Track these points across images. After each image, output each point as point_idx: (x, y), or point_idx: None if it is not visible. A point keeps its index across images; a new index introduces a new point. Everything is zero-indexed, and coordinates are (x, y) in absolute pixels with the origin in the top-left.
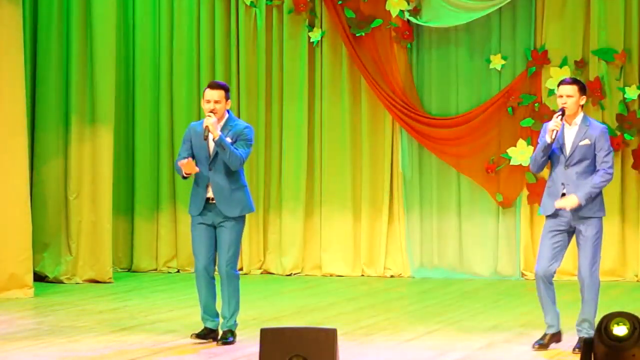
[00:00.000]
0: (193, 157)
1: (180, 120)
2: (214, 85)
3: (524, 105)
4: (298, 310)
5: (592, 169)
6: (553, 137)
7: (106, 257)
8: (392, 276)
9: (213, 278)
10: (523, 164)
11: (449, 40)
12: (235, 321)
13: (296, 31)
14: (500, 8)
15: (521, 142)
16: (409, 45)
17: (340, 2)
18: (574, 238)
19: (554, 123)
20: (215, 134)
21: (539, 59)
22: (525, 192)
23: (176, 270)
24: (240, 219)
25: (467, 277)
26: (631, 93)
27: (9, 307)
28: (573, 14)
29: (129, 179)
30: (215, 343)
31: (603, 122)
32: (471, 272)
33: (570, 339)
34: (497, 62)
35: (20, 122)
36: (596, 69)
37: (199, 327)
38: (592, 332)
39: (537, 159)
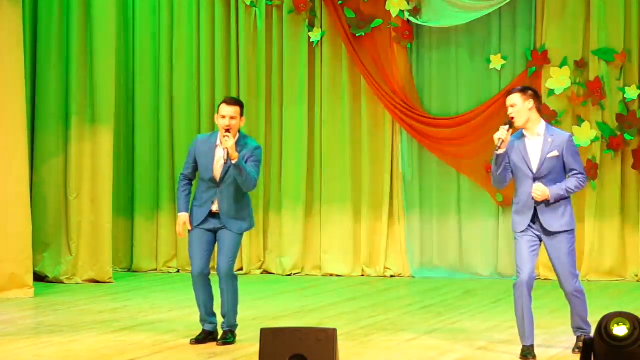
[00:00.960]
0: (195, 170)
1: (180, 120)
2: (230, 102)
3: None
4: (298, 310)
5: (561, 180)
6: (499, 145)
7: (106, 257)
8: (392, 276)
9: (209, 280)
10: None
11: (449, 41)
12: (235, 321)
13: (296, 31)
14: (500, 8)
15: None
16: (409, 45)
17: (340, 2)
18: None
19: (500, 132)
20: (234, 156)
21: (539, 59)
22: None
23: (176, 270)
24: (240, 234)
25: (467, 277)
26: (631, 93)
27: (9, 307)
28: (573, 14)
29: (129, 179)
30: (215, 343)
31: (603, 123)
32: (471, 272)
33: (570, 338)
34: (497, 62)
35: (20, 122)
36: (596, 69)
37: (199, 328)
38: (589, 333)
39: (494, 174)
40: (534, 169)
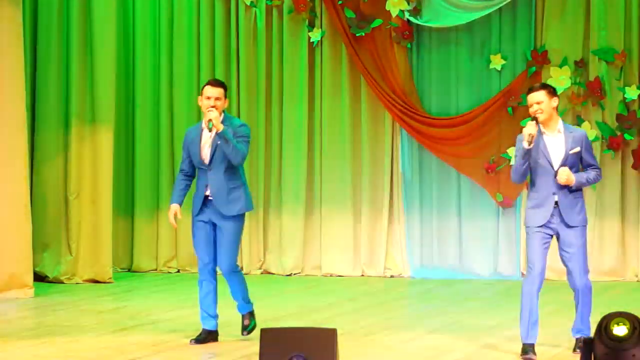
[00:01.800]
0: (191, 162)
1: (180, 120)
2: (214, 83)
3: (524, 105)
4: (298, 310)
5: None
6: (530, 140)
7: (106, 257)
8: (392, 276)
9: (215, 277)
10: None
11: (449, 40)
12: (250, 302)
13: (296, 31)
14: (500, 8)
15: None
16: (409, 45)
17: (340, 2)
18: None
19: (530, 127)
20: (218, 127)
21: (539, 59)
22: (525, 192)
23: (176, 270)
24: (239, 218)
25: (467, 277)
26: (631, 93)
27: (9, 307)
28: (573, 14)
29: (129, 179)
30: (214, 343)
31: (603, 123)
32: (471, 272)
33: (570, 338)
34: (497, 62)
35: (20, 122)
36: (596, 69)
37: (199, 328)
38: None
39: (518, 168)
40: (556, 164)
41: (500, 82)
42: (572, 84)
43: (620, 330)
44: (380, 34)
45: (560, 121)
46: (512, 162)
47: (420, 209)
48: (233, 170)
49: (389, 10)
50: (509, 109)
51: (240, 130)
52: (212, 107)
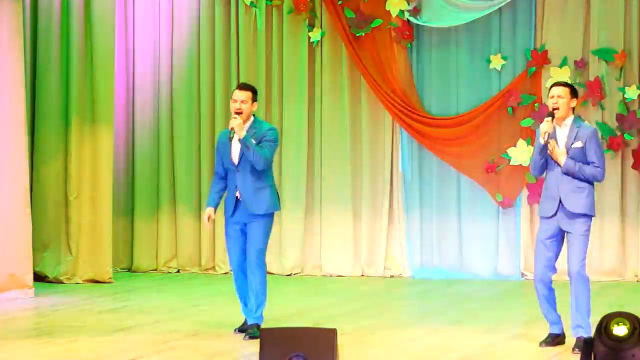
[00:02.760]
0: (224, 164)
1: (180, 120)
2: (242, 87)
3: (524, 105)
4: (298, 310)
5: None
6: (546, 138)
7: (106, 257)
8: (392, 276)
9: (247, 276)
10: (523, 164)
11: (449, 40)
12: (261, 314)
13: (296, 31)
14: (500, 8)
15: (521, 142)
16: (409, 45)
17: (340, 2)
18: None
19: (546, 125)
20: (240, 134)
21: (539, 59)
22: (525, 192)
23: (176, 270)
24: (267, 217)
25: (467, 277)
26: (631, 93)
27: (9, 307)
28: (573, 14)
29: (129, 179)
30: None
31: (603, 123)
32: (471, 272)
33: (571, 339)
34: (497, 62)
35: (20, 122)
36: (596, 69)
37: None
38: (589, 333)
39: (536, 162)
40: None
41: (500, 82)
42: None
43: (620, 330)
44: (380, 34)
45: (571, 117)
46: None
47: (420, 209)
48: (260, 171)
49: (389, 10)
50: (509, 109)
51: (268, 134)
52: (239, 110)
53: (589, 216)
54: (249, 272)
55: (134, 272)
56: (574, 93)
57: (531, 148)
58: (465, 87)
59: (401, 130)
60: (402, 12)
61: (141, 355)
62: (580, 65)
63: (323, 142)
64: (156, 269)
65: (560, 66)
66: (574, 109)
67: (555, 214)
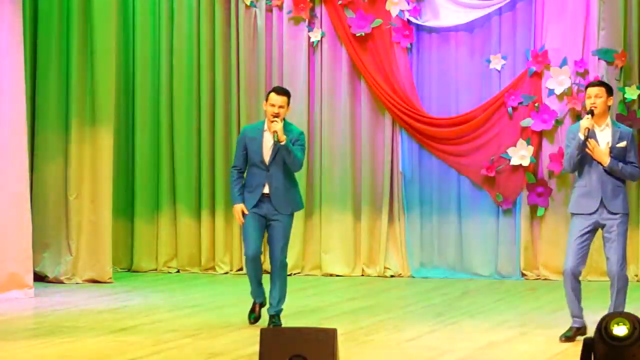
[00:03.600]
0: (245, 160)
1: (180, 120)
2: (280, 91)
3: (524, 105)
4: (298, 310)
5: None
6: (586, 134)
7: (106, 257)
8: (392, 276)
9: (261, 260)
10: (523, 164)
11: (449, 40)
12: (282, 307)
13: (296, 31)
14: (500, 8)
15: (521, 142)
16: (409, 45)
17: (340, 2)
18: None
19: (586, 121)
20: (282, 138)
21: (539, 59)
22: (525, 192)
23: (176, 270)
24: (291, 216)
25: (467, 277)
26: (631, 93)
27: (9, 307)
28: (573, 14)
29: (129, 179)
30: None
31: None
32: (471, 272)
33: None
34: (497, 62)
35: (20, 122)
36: (596, 69)
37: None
38: None
39: (572, 157)
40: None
41: (500, 82)
42: (572, 84)
43: (620, 330)
44: (380, 34)
45: (609, 118)
46: (567, 153)
47: (420, 208)
48: (289, 171)
49: (389, 10)
50: (509, 109)
51: (300, 138)
52: (276, 114)
53: (627, 215)
54: (275, 267)
55: (134, 272)
56: (609, 92)
57: (531, 148)
58: (465, 87)
59: (401, 130)
60: (402, 12)
61: (141, 355)
62: (580, 65)
63: (323, 142)
64: (156, 269)
65: (561, 66)
66: (610, 107)
67: (595, 212)
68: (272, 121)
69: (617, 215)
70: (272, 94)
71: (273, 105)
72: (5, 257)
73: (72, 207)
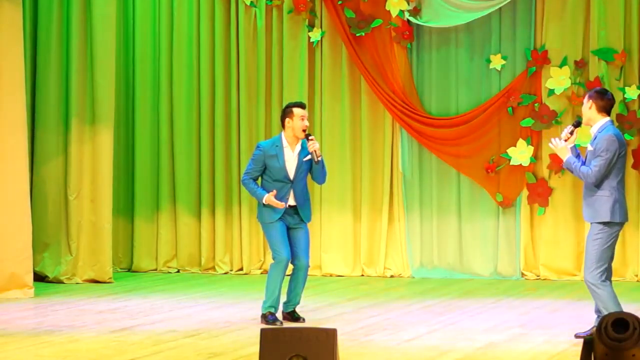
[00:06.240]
0: (262, 172)
1: (180, 120)
2: (302, 105)
3: (524, 105)
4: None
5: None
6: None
7: (106, 257)
8: (392, 276)
9: (286, 270)
10: (523, 164)
11: (449, 40)
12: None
13: (296, 31)
14: (500, 8)
15: (521, 142)
16: (409, 45)
17: (340, 2)
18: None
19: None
20: (319, 154)
21: (539, 59)
22: (525, 192)
23: (176, 270)
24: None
25: (467, 277)
26: (631, 93)
27: (9, 307)
28: (573, 14)
29: (129, 179)
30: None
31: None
32: (471, 272)
33: (570, 339)
34: (497, 62)
35: (20, 122)
36: (596, 69)
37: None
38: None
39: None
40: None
41: (500, 82)
42: (572, 84)
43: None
44: (380, 34)
45: (598, 123)
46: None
47: (420, 209)
48: (306, 181)
49: (389, 10)
50: (509, 109)
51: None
52: (307, 127)
53: (599, 224)
54: (301, 269)
55: (134, 272)
56: (590, 97)
57: (531, 148)
58: (465, 87)
59: (401, 130)
60: (402, 12)
61: (141, 355)
62: (580, 65)
63: (323, 142)
64: (156, 269)
65: (560, 66)
66: (600, 109)
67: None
68: (311, 139)
69: (592, 224)
70: (297, 109)
71: (303, 119)
72: (5, 257)
73: (72, 207)
